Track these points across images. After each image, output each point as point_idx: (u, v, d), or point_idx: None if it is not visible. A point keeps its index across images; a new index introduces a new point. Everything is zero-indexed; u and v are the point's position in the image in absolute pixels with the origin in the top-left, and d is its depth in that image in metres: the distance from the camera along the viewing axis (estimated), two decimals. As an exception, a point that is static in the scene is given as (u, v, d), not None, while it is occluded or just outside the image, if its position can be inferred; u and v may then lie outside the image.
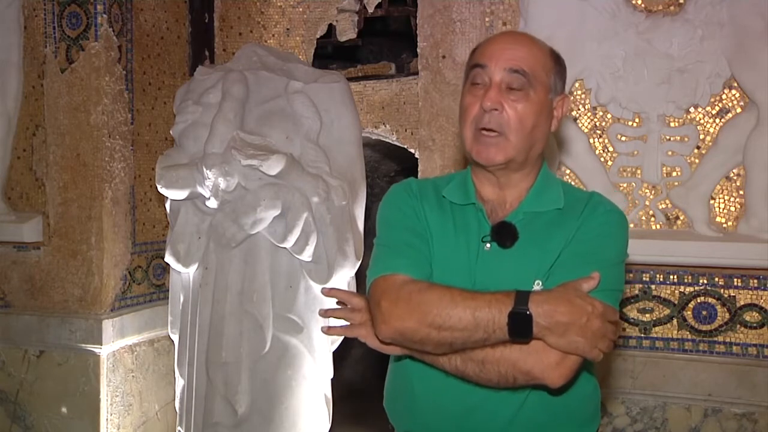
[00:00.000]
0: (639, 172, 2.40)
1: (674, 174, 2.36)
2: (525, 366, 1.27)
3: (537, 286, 1.33)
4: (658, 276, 2.36)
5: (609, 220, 1.40)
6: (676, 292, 2.34)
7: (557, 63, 1.44)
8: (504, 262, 1.36)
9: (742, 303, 2.28)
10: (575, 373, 1.30)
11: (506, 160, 1.37)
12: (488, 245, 1.38)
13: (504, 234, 1.37)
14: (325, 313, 1.51)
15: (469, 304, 1.26)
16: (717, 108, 2.32)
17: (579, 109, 2.45)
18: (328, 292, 1.50)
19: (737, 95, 2.30)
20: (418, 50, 2.66)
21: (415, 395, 1.42)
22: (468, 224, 1.41)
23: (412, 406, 1.43)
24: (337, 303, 1.49)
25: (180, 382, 2.63)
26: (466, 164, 1.50)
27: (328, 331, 1.48)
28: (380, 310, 1.32)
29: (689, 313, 2.33)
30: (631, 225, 2.27)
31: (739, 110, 2.30)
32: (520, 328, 1.24)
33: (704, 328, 2.32)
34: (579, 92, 2.43)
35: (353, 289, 2.69)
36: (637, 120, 2.39)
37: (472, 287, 1.33)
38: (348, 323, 1.44)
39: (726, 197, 2.32)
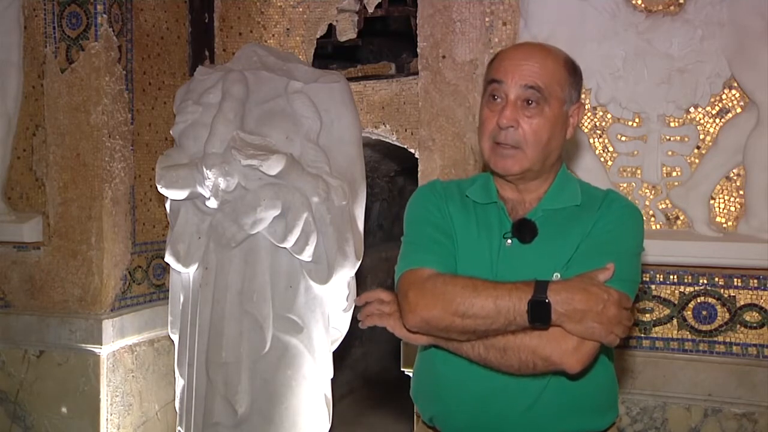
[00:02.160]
0: (639, 172, 2.39)
1: (674, 174, 2.36)
2: (544, 352, 1.32)
3: (555, 278, 1.39)
4: (658, 276, 2.35)
5: (625, 214, 1.46)
6: (676, 292, 2.34)
7: (572, 74, 1.47)
8: (524, 257, 1.43)
9: (742, 303, 2.28)
10: (592, 359, 1.35)
11: (522, 171, 1.44)
12: (509, 241, 1.45)
13: (524, 230, 1.44)
14: (359, 300, 1.54)
15: (491, 293, 1.33)
16: (717, 108, 2.31)
17: (579, 109, 2.45)
18: (360, 301, 1.53)
19: (737, 95, 2.29)
20: (418, 50, 2.66)
21: (440, 382, 1.48)
22: (490, 221, 1.48)
23: (437, 392, 1.50)
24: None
25: (180, 382, 2.63)
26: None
27: (365, 320, 1.50)
28: (407, 300, 1.40)
29: (689, 313, 2.33)
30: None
31: (739, 110, 2.29)
32: (539, 315, 1.31)
33: (704, 328, 2.32)
34: (579, 92, 2.43)
35: (353, 289, 2.69)
36: (637, 120, 2.39)
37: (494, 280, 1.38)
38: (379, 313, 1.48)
39: (726, 197, 2.32)
